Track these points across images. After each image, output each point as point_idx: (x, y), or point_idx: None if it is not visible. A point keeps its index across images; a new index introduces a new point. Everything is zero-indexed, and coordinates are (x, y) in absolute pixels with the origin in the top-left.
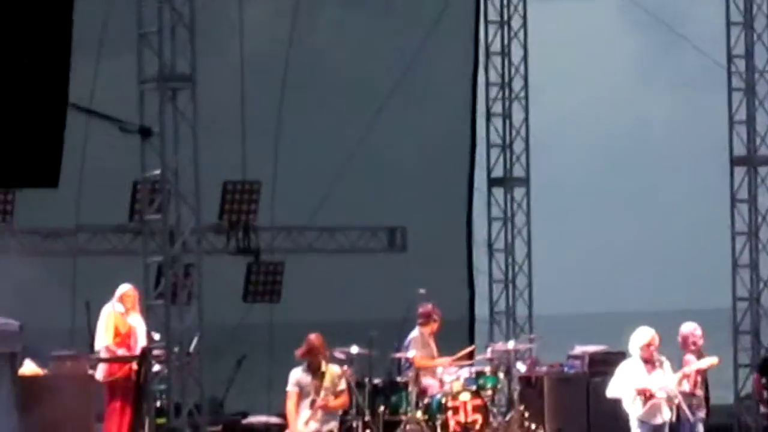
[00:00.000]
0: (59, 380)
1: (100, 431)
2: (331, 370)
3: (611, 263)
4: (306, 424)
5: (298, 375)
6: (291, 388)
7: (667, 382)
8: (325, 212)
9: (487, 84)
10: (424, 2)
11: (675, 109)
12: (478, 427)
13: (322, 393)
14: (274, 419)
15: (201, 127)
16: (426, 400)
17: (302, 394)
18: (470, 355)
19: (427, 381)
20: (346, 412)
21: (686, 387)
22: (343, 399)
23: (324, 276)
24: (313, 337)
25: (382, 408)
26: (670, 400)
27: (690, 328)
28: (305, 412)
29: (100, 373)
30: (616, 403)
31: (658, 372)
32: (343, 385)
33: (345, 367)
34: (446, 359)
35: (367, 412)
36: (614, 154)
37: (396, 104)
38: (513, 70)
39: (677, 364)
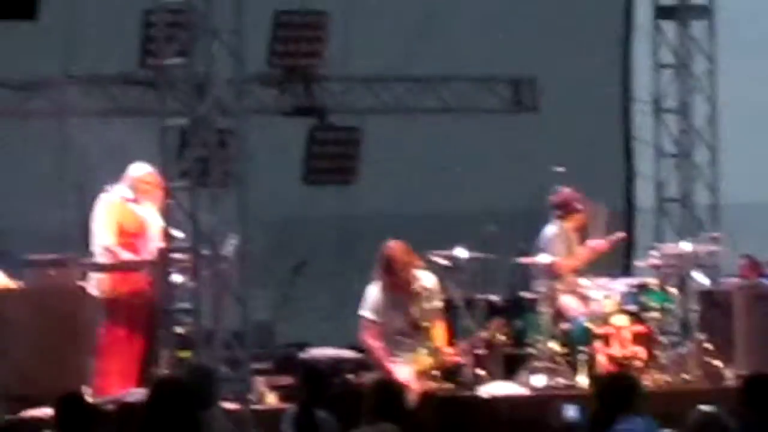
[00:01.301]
0: (37, 295)
1: (94, 369)
2: (425, 281)
3: None
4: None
5: (377, 297)
6: (367, 314)
7: None
8: (419, 57)
9: None
10: None
11: None
12: (639, 363)
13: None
14: (345, 353)
15: None
16: (564, 326)
17: (387, 326)
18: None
19: (565, 299)
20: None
21: None
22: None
23: (418, 147)
24: (392, 246)
25: (502, 336)
26: None
27: None
28: (405, 356)
29: (97, 286)
30: None
31: None
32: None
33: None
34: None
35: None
36: None
37: None
38: None
39: None
